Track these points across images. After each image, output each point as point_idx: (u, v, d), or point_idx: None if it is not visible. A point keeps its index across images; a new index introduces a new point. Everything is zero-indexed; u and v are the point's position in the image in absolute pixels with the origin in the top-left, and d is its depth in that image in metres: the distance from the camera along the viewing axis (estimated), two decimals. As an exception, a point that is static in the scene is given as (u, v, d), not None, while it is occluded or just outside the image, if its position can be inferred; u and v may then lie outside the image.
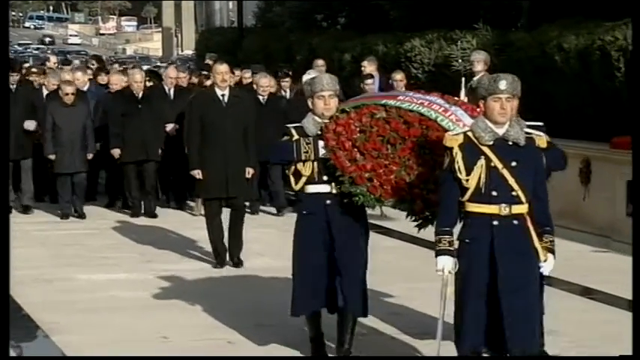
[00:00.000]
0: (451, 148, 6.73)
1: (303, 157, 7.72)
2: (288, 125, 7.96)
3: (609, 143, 13.67)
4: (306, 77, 14.61)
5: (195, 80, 17.65)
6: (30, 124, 14.96)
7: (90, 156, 14.86)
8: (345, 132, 7.59)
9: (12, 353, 8.19)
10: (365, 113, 7.65)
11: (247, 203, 12.94)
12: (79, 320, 9.46)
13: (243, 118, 11.63)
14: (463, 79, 15.26)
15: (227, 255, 11.73)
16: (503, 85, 6.65)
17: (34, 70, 18.13)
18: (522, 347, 6.63)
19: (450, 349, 7.10)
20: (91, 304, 10.06)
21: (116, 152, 14.86)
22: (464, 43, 18.77)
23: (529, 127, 7.23)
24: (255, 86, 15.63)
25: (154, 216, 15.08)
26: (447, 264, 6.75)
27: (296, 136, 7.79)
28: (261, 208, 15.67)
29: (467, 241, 6.77)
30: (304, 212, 7.92)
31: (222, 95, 11.58)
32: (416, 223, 7.58)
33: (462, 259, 6.75)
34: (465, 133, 6.80)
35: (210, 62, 21.37)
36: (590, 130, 14.86)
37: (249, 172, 11.69)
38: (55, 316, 9.55)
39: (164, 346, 8.69)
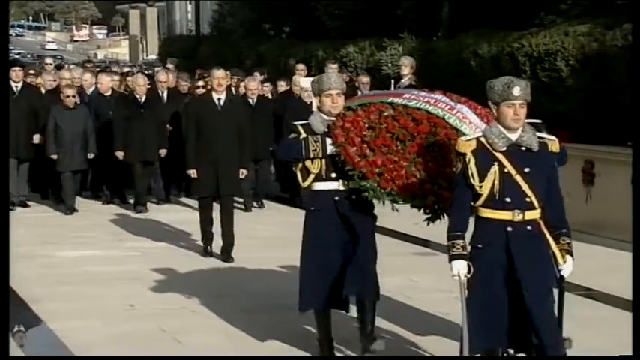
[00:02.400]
0: (464, 154, 6.00)
1: (311, 155, 6.94)
2: (295, 123, 7.18)
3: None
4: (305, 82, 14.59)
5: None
6: (36, 138, 14.42)
7: (91, 156, 14.15)
8: (353, 128, 6.83)
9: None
10: (373, 111, 6.90)
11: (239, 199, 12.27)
12: (55, 291, 9.43)
13: (238, 121, 10.95)
14: (392, 81, 15.38)
15: (212, 243, 11.08)
16: (517, 91, 5.88)
17: (31, 71, 17.42)
18: (553, 354, 5.94)
19: (452, 348, 6.95)
20: (66, 278, 10.02)
21: (120, 155, 14.07)
22: (392, 50, 18.92)
23: (529, 124, 6.31)
24: (244, 89, 14.97)
25: (145, 211, 14.18)
26: (462, 268, 5.98)
27: (303, 134, 6.99)
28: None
29: (479, 246, 6.04)
30: (312, 209, 7.10)
31: (218, 99, 10.89)
32: (426, 217, 6.82)
33: (476, 263, 5.99)
34: (477, 139, 6.03)
35: (171, 66, 21.19)
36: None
37: (243, 173, 11.08)
38: (35, 288, 9.50)
39: (130, 313, 8.69)
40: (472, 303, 5.98)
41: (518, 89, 5.88)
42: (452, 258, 6.02)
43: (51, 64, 18.53)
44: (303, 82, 14.63)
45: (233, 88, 15.23)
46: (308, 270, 7.07)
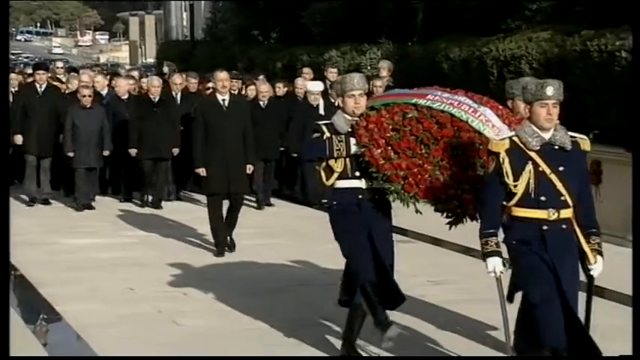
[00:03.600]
0: (497, 153, 5.59)
1: (335, 155, 6.43)
2: (319, 122, 6.66)
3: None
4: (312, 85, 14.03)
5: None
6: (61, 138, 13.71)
7: (106, 153, 13.58)
8: (377, 129, 6.33)
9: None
10: (396, 112, 6.38)
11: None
12: (61, 276, 9.38)
13: (242, 120, 10.45)
14: (371, 82, 15.31)
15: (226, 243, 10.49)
16: (550, 91, 5.48)
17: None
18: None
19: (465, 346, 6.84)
20: (71, 264, 9.98)
21: (133, 152, 13.55)
22: (371, 53, 18.94)
23: None
24: (256, 92, 14.36)
25: (160, 207, 13.65)
26: (497, 265, 5.57)
27: (327, 134, 6.47)
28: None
29: (514, 242, 5.62)
30: (334, 203, 6.54)
31: (223, 100, 10.42)
32: (448, 221, 6.38)
33: (516, 259, 5.58)
34: (510, 139, 5.62)
35: (166, 69, 21.05)
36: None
37: (250, 168, 10.64)
38: (42, 273, 9.46)
39: (130, 296, 8.66)
40: (534, 289, 5.51)
41: (552, 89, 5.51)
42: (486, 255, 5.62)
43: (61, 67, 18.08)
44: (310, 85, 14.24)
45: (237, 90, 14.52)
46: (356, 253, 6.48)
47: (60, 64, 19.22)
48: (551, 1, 15.60)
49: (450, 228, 6.40)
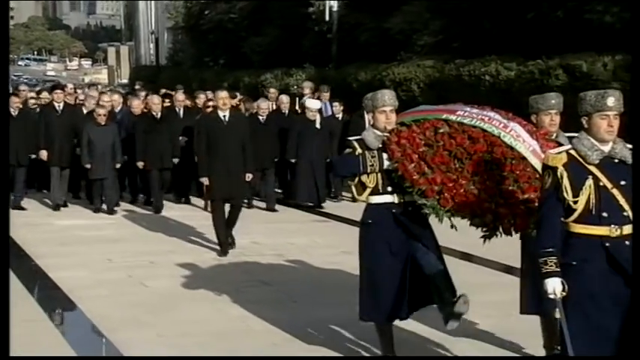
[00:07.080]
0: (555, 168, 4.18)
1: (369, 170, 5.22)
2: (350, 138, 5.47)
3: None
4: (310, 102, 12.77)
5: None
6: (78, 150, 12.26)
7: (118, 165, 12.14)
8: (409, 144, 5.14)
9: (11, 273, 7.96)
10: (428, 127, 5.17)
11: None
12: (55, 250, 9.25)
13: (241, 134, 9.29)
14: (297, 98, 15.39)
15: (228, 242, 9.28)
16: (611, 101, 4.14)
17: (32, 94, 15.12)
18: None
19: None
20: (63, 240, 9.84)
21: (140, 164, 12.14)
22: (297, 76, 19.06)
23: (569, 137, 4.76)
24: (256, 108, 12.92)
25: (160, 211, 12.11)
26: (557, 286, 4.08)
27: (359, 150, 5.27)
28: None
29: (574, 263, 4.13)
30: (369, 221, 5.27)
31: (224, 116, 9.23)
32: (483, 234, 5.07)
33: (570, 281, 4.08)
34: (567, 152, 4.22)
35: (138, 87, 20.72)
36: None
37: (249, 176, 9.47)
38: (40, 248, 9.31)
39: (108, 265, 8.55)
40: (577, 324, 4.06)
41: (613, 100, 4.15)
42: (545, 276, 4.12)
43: (72, 88, 17.22)
44: (309, 103, 13.04)
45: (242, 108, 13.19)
46: (364, 283, 5.32)
47: (70, 85, 18.22)
48: (434, 38, 15.90)
49: (485, 242, 5.09)
